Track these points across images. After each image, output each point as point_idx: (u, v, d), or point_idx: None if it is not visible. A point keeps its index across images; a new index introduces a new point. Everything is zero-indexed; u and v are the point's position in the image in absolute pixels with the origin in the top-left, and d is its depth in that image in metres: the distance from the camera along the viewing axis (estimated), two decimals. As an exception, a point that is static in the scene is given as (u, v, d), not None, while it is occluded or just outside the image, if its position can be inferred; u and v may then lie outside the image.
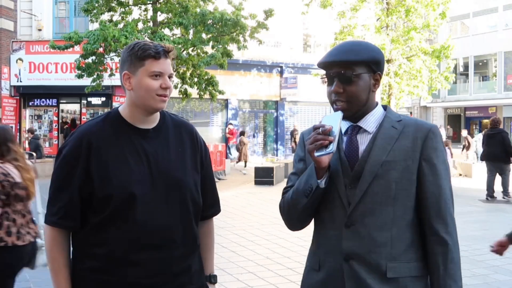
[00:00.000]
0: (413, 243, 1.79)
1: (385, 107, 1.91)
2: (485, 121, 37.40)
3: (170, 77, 1.92)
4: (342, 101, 1.80)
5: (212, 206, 2.14)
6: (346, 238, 1.77)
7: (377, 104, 1.88)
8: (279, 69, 23.73)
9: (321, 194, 1.80)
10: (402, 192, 1.76)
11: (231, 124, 21.05)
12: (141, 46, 1.88)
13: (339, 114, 1.78)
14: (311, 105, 24.16)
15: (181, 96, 16.17)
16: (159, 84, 1.88)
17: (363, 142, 1.83)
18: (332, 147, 1.71)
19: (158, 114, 2.00)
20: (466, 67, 36.95)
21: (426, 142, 1.78)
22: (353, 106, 1.80)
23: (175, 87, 15.57)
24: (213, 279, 2.12)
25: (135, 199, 1.84)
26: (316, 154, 1.72)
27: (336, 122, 1.74)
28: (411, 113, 40.31)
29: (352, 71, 1.78)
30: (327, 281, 1.81)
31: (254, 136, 23.72)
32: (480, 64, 36.69)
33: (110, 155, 1.87)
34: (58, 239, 1.89)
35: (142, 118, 1.94)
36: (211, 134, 21.68)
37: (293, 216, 1.89)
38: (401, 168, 1.76)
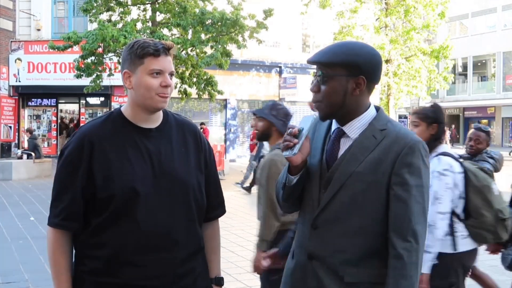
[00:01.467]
0: (378, 252, 1.77)
1: (377, 109, 1.86)
2: (484, 121, 37.46)
3: (171, 74, 1.89)
4: (316, 100, 1.82)
5: (216, 208, 2.10)
6: (311, 238, 1.81)
7: (369, 107, 1.84)
8: (278, 69, 23.72)
9: (297, 189, 1.84)
10: (369, 204, 1.74)
11: (203, 123, 20.98)
12: (141, 44, 1.85)
13: (312, 116, 1.80)
14: (310, 105, 24.15)
15: (180, 96, 16.17)
16: (159, 82, 1.84)
17: (343, 147, 1.82)
18: (295, 150, 1.73)
19: (161, 114, 1.97)
20: (465, 67, 36.99)
21: (400, 157, 1.73)
22: (324, 107, 1.80)
23: (175, 87, 15.56)
24: (219, 281, 2.10)
25: (137, 198, 1.81)
26: (283, 154, 1.76)
27: (308, 124, 1.77)
28: (409, 113, 40.31)
29: (325, 72, 1.78)
30: (295, 272, 1.88)
31: (253, 136, 23.73)
32: (479, 64, 36.74)
33: (112, 154, 1.84)
34: (61, 241, 1.85)
35: (144, 117, 1.91)
36: (210, 134, 21.67)
37: (278, 201, 1.98)
38: (370, 180, 1.73)
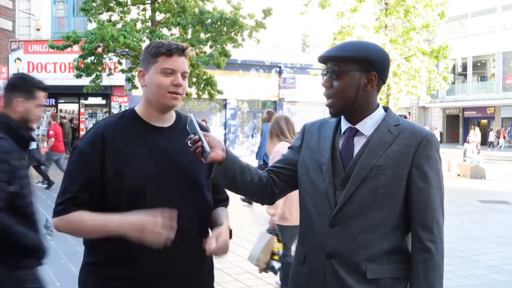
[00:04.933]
0: (397, 247, 1.80)
1: (386, 109, 1.90)
2: (483, 121, 37.48)
3: (184, 75, 1.93)
4: (328, 96, 1.85)
5: (223, 201, 2.18)
6: (330, 237, 1.80)
7: (378, 106, 1.88)
8: (277, 69, 23.73)
9: (226, 180, 1.88)
10: (389, 197, 1.77)
11: (204, 120, 20.94)
12: (156, 44, 1.92)
13: (191, 118, 1.85)
14: (310, 105, 24.17)
15: (180, 96, 16.13)
16: (170, 81, 1.89)
17: (358, 145, 1.84)
18: (207, 149, 1.79)
19: (173, 114, 2.02)
20: (464, 67, 37.00)
21: (419, 150, 1.78)
22: (338, 102, 1.83)
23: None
24: (230, 232, 2.09)
25: (144, 195, 1.84)
26: (206, 162, 1.81)
27: (195, 125, 1.83)
28: (409, 113, 40.33)
29: (339, 67, 1.80)
30: (310, 276, 1.86)
31: (252, 136, 23.72)
32: (479, 64, 36.76)
33: (124, 151, 1.88)
34: (77, 215, 1.84)
35: (157, 116, 1.96)
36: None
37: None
38: (391, 173, 1.76)
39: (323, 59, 1.87)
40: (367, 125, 1.84)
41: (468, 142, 23.32)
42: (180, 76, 1.91)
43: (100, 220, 1.83)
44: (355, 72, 1.80)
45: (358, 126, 1.85)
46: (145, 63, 1.94)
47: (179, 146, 1.95)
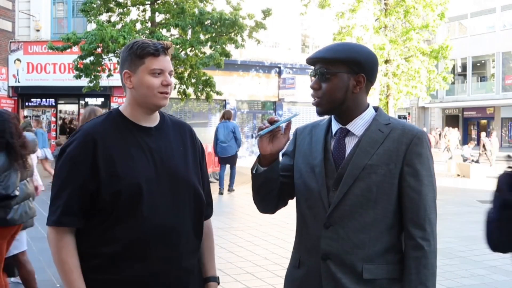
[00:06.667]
0: (392, 246, 1.80)
1: (376, 109, 1.91)
2: (483, 121, 37.48)
3: (170, 74, 1.93)
4: (316, 97, 1.85)
5: (207, 207, 2.13)
6: (324, 238, 1.80)
7: (368, 106, 1.89)
8: (277, 69, 23.74)
9: (267, 184, 1.88)
10: (383, 196, 1.77)
11: None
12: (140, 45, 1.89)
13: (295, 114, 1.87)
14: (310, 106, 23.90)
15: (179, 96, 16.16)
16: (160, 82, 1.89)
17: (350, 145, 1.85)
18: (261, 132, 1.81)
19: (157, 114, 2.01)
20: (464, 67, 37.00)
21: (411, 147, 1.77)
22: (325, 103, 1.83)
23: (174, 87, 15.54)
24: (218, 279, 2.13)
25: (142, 196, 1.83)
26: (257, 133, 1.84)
27: (284, 119, 1.84)
28: (409, 113, 40.33)
29: (328, 69, 1.81)
30: (306, 279, 1.86)
31: (252, 137, 23.73)
32: (478, 64, 36.76)
33: (116, 152, 1.86)
34: (64, 240, 1.83)
35: (144, 116, 1.95)
36: (209, 135, 21.66)
37: (254, 198, 1.99)
38: (383, 172, 1.76)
39: (312, 61, 1.86)
40: (358, 125, 1.85)
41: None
42: (168, 75, 1.91)
43: (72, 279, 1.81)
44: (343, 74, 1.80)
45: (348, 127, 1.86)
46: (130, 64, 1.90)
47: (168, 145, 1.95)
